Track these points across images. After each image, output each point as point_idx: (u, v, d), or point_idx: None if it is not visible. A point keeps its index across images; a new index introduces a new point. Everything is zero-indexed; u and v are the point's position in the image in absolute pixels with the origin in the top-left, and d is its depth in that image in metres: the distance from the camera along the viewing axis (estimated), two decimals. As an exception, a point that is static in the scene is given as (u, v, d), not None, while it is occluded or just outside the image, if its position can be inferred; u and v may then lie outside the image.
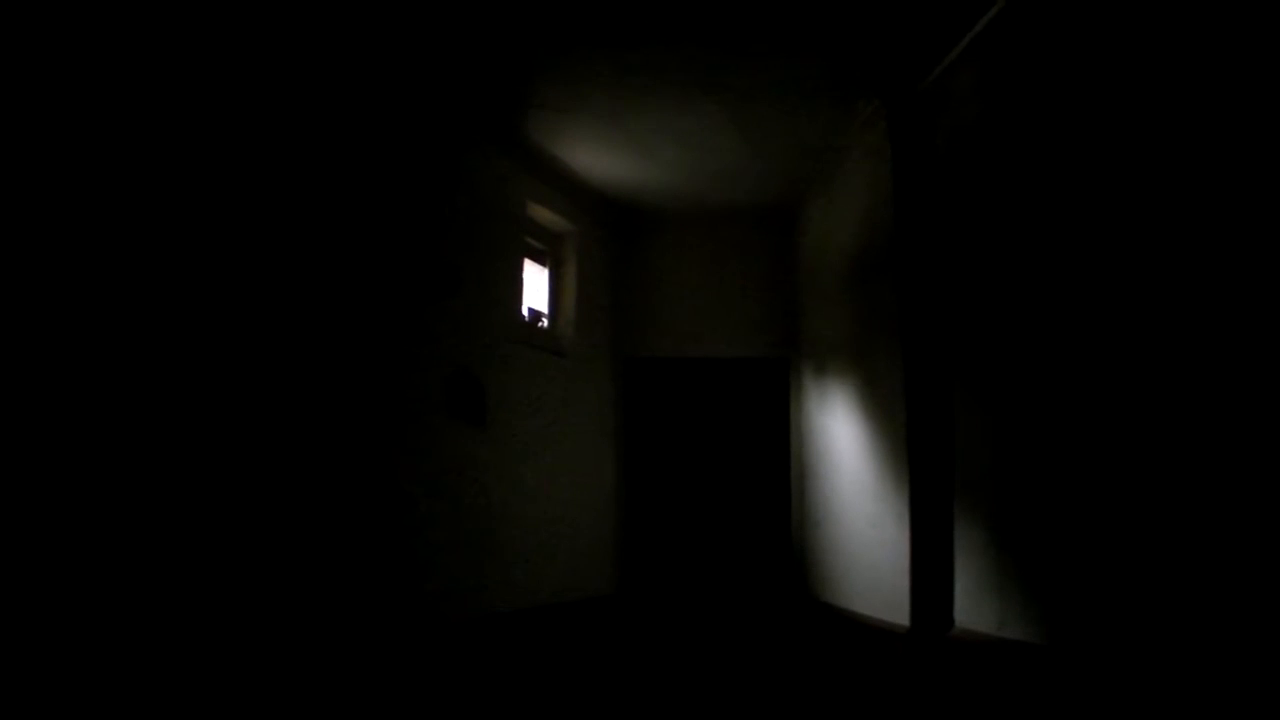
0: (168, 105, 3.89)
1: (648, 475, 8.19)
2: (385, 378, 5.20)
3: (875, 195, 5.81)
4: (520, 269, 6.93)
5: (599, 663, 5.44)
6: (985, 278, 4.56)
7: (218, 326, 4.09)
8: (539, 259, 7.49)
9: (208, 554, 3.95)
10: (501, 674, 5.06)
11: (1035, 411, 4.06)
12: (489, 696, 4.46)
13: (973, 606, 4.59)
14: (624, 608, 7.70)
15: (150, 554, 3.68)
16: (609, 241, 8.12)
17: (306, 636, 4.49)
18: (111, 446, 3.56)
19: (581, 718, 4.05)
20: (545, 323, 7.45)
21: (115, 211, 3.63)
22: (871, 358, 5.94)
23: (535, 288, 7.44)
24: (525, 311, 7.07)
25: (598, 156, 6.88)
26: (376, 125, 5.26)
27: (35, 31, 3.34)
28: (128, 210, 3.69)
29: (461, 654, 5.52)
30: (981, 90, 4.66)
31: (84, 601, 3.40)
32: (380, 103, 5.31)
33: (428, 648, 5.31)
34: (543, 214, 7.28)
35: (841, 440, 6.59)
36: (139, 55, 3.76)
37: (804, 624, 6.96)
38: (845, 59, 5.22)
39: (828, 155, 6.70)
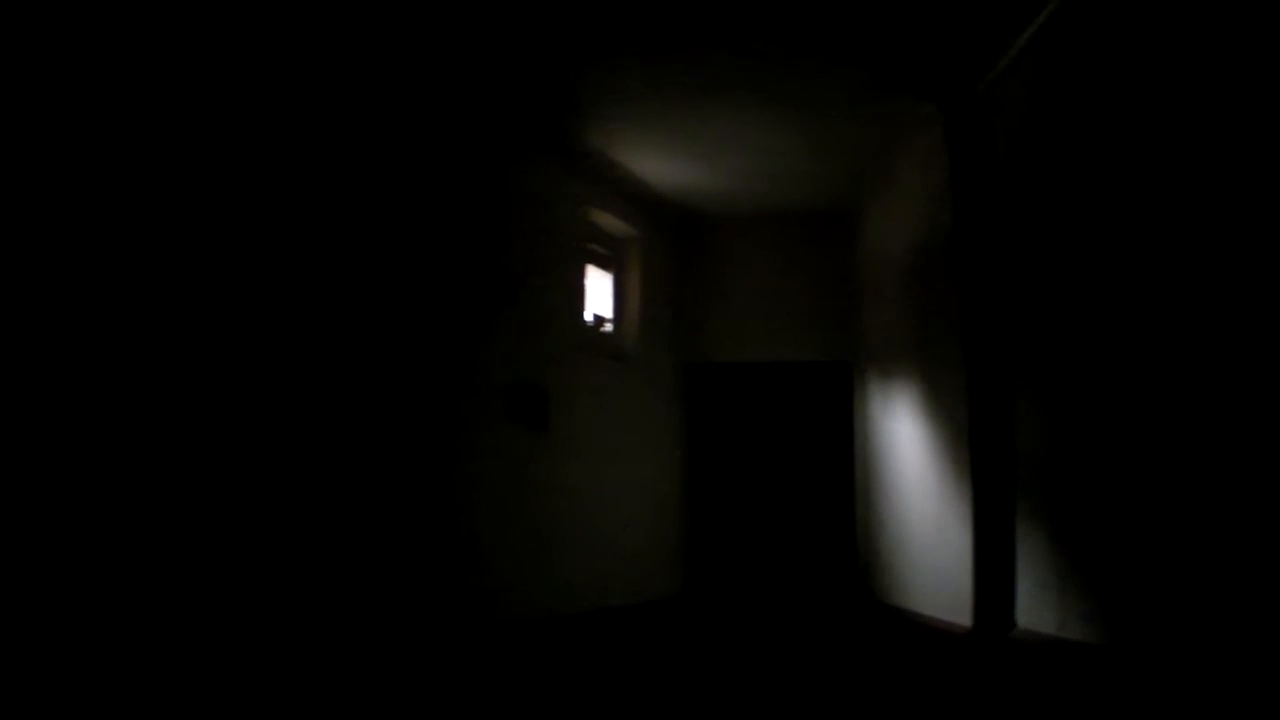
0: (238, 114, 4.11)
1: (711, 478, 8.25)
2: (450, 385, 5.36)
3: (933, 197, 5.80)
4: (583, 275, 7.07)
5: (663, 664, 5.53)
6: (1046, 278, 4.55)
7: (296, 334, 4.30)
8: (602, 265, 7.62)
9: (272, 553, 4.13)
10: (563, 676, 5.17)
11: (1096, 412, 4.04)
12: (550, 698, 4.58)
13: (1034, 607, 4.57)
14: (688, 610, 7.77)
15: (207, 549, 3.86)
16: (670, 246, 8.21)
17: (371, 636, 4.66)
18: (180, 446, 3.75)
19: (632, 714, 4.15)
20: (608, 328, 7.57)
21: (179, 221, 3.83)
22: (932, 359, 5.93)
23: (598, 293, 7.57)
24: (588, 317, 7.21)
25: (658, 162, 6.97)
26: (439, 136, 5.42)
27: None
28: (195, 220, 3.90)
29: (524, 655, 5.65)
30: (1038, 91, 4.64)
31: (145, 600, 3.56)
32: (443, 114, 5.48)
33: (490, 649, 5.45)
34: (605, 220, 7.41)
35: (904, 442, 6.58)
36: (195, 81, 3.97)
37: (868, 626, 6.96)
38: (902, 63, 5.24)
39: (886, 158, 6.70)
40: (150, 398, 3.62)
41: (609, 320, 7.61)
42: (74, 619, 3.26)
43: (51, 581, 3.20)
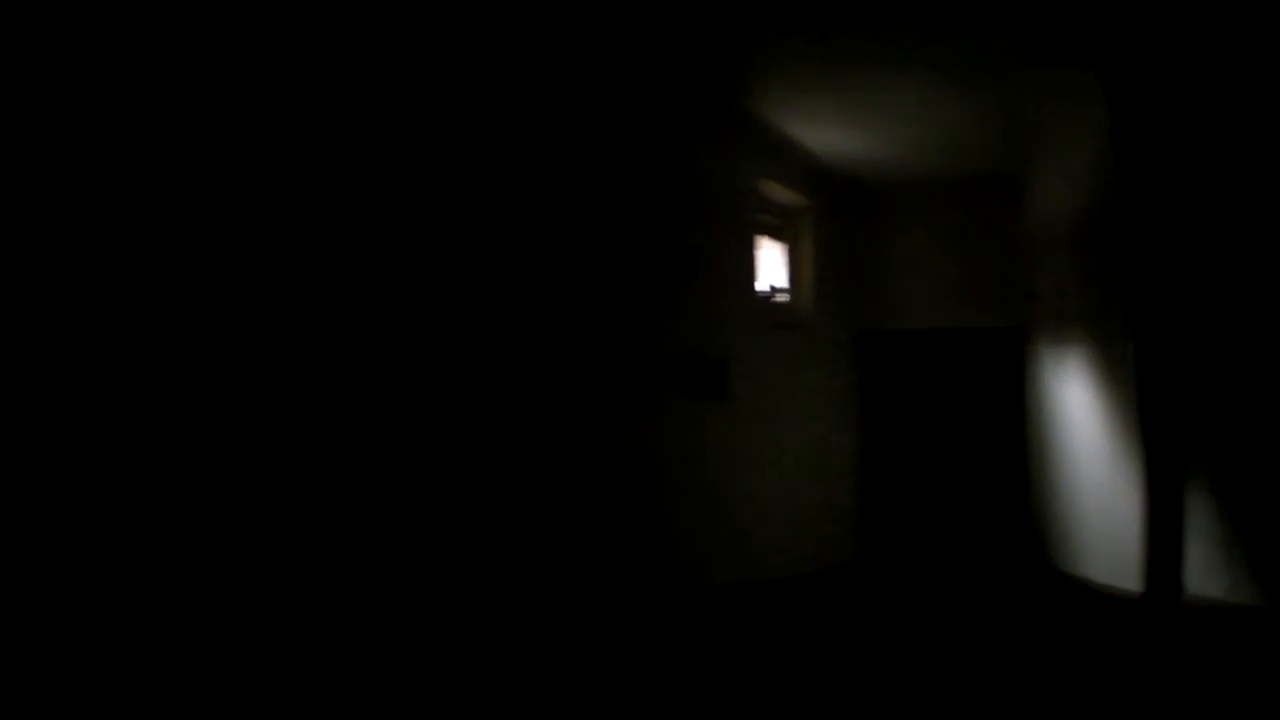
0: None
1: (883, 445, 8.41)
2: (633, 356, 5.71)
3: (1097, 163, 5.76)
4: (755, 246, 7.35)
5: (845, 630, 5.78)
6: (1214, 245, 4.52)
7: (496, 321, 4.72)
8: (774, 235, 7.87)
9: (466, 524, 4.45)
10: (750, 641, 5.47)
11: (1267, 379, 4.05)
12: (734, 661, 4.89)
13: (1203, 573, 4.60)
14: (864, 577, 7.95)
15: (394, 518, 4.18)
16: (841, 216, 8.35)
17: (565, 602, 5.01)
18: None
19: (827, 679, 4.43)
20: (781, 297, 7.83)
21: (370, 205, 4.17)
22: (1102, 325, 5.92)
23: (770, 264, 7.83)
24: (761, 287, 7.49)
25: (828, 133, 7.15)
26: (612, 112, 5.69)
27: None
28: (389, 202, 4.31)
29: (713, 621, 5.93)
30: (1202, 54, 4.58)
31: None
32: (621, 92, 5.76)
33: (674, 614, 5.75)
34: (777, 191, 7.64)
35: (1075, 407, 6.57)
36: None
37: (1039, 591, 7.00)
38: (1063, 30, 5.25)
39: (1051, 123, 6.66)
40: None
41: (782, 290, 7.87)
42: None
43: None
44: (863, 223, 8.55)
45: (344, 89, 4.02)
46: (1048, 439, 7.41)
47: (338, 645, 3.76)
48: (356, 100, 4.08)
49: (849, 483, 8.25)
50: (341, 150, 4.00)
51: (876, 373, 8.48)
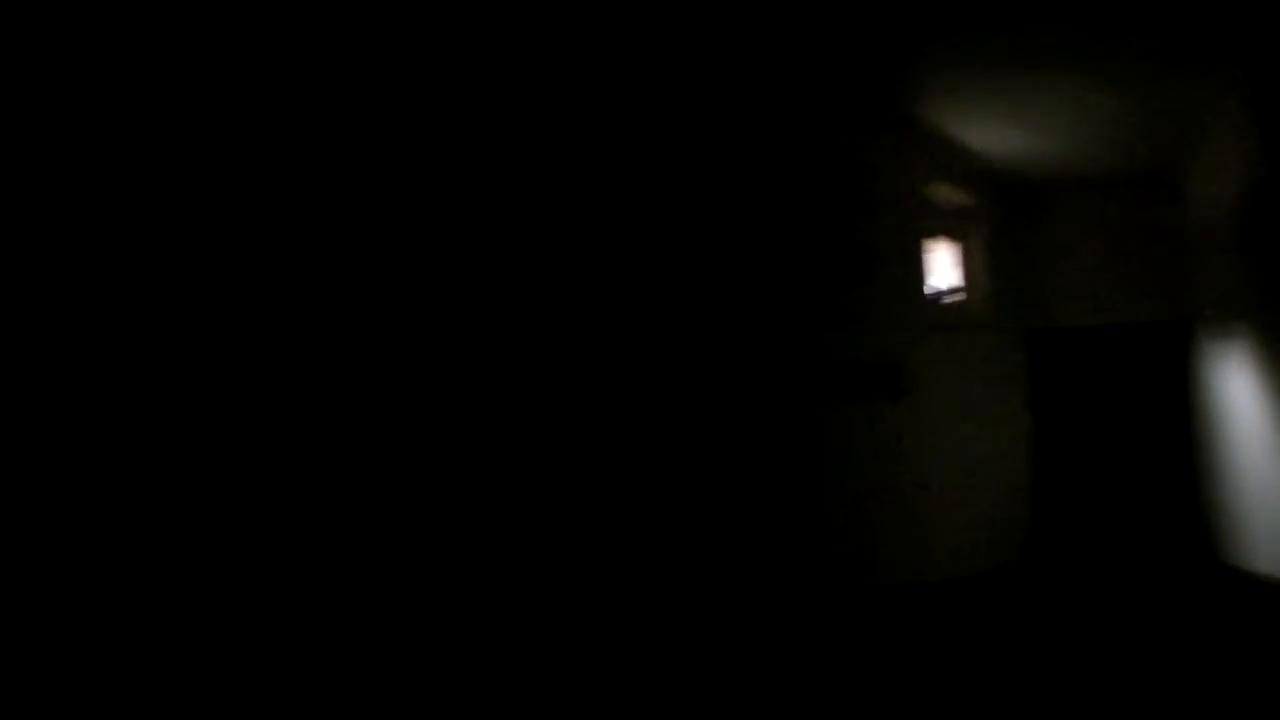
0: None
1: (1053, 442, 8.56)
2: (809, 357, 6.03)
3: (1250, 161, 5.87)
4: (927, 248, 7.58)
5: (1014, 628, 5.90)
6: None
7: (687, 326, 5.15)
8: (943, 235, 8.06)
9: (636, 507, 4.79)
10: (927, 637, 5.67)
11: None
12: (916, 657, 5.15)
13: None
14: (1035, 574, 7.95)
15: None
16: (1008, 214, 8.52)
17: (747, 598, 5.36)
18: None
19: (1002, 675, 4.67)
20: (952, 297, 8.04)
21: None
22: (1268, 320, 6.06)
23: (941, 264, 8.03)
24: (934, 288, 7.72)
25: (991, 132, 7.36)
26: (789, 123, 6.02)
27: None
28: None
29: (887, 618, 6.09)
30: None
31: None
32: (789, 101, 6.03)
33: (846, 610, 5.95)
34: (944, 191, 7.84)
35: (1242, 402, 6.66)
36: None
37: (1209, 584, 7.07)
38: (1216, 25, 5.42)
39: (1208, 119, 6.82)
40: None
41: (954, 289, 8.07)
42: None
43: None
44: (1028, 221, 8.67)
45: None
46: (1215, 433, 7.47)
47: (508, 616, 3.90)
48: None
49: (1020, 480, 8.34)
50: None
51: (1046, 370, 8.61)
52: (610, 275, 4.72)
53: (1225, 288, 7.03)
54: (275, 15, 3.20)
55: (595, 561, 4.43)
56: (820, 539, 6.00)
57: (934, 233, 7.87)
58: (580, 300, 4.50)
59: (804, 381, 5.99)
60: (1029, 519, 8.43)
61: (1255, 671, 4.50)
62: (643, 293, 4.91)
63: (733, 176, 5.54)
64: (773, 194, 5.86)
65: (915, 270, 7.35)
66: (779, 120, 5.96)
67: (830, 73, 6.27)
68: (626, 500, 4.63)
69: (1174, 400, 8.16)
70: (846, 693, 4.36)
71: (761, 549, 5.55)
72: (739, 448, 5.41)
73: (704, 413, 5.22)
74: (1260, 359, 6.33)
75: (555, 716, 3.74)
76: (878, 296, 6.73)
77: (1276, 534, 6.04)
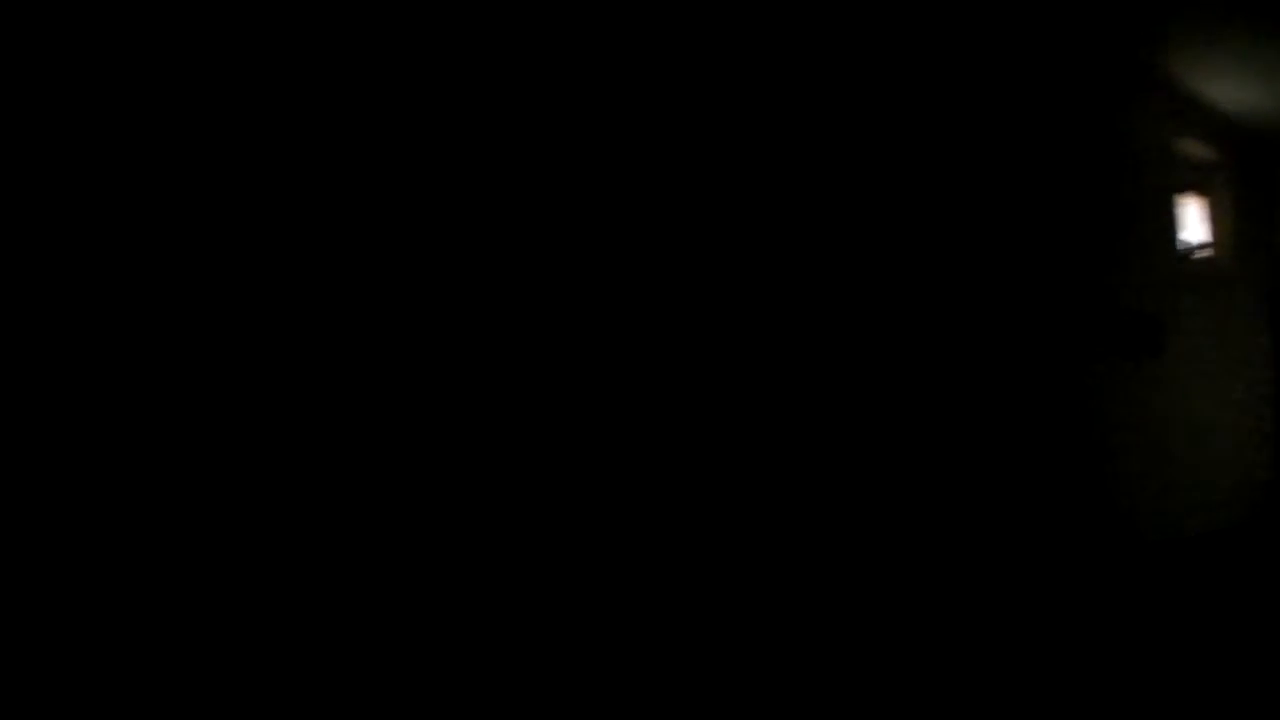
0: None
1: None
2: (1074, 314, 5.96)
3: None
4: (1176, 204, 7.30)
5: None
6: None
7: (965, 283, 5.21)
8: (1193, 191, 7.75)
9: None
10: (1184, 595, 5.61)
11: None
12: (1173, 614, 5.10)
13: None
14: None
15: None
16: (1256, 172, 8.16)
17: (1023, 557, 5.42)
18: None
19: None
20: (1201, 253, 7.70)
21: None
22: None
23: (1189, 220, 7.72)
24: (1183, 244, 7.42)
25: (1239, 89, 7.07)
26: (1047, 83, 5.92)
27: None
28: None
29: (1144, 575, 6.09)
30: None
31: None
32: (1053, 64, 6.01)
33: (1115, 566, 5.95)
34: (1193, 147, 7.53)
35: None
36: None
37: None
38: None
39: None
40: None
41: (1200, 246, 7.74)
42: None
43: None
44: (1274, 178, 8.19)
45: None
46: None
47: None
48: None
49: (1267, 435, 8.05)
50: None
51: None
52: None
53: None
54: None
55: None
56: (1089, 497, 5.90)
57: (1185, 188, 7.57)
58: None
59: (1072, 336, 5.92)
60: (1274, 475, 8.09)
61: None
62: (928, 252, 5.01)
63: (1005, 142, 5.57)
64: (1041, 157, 5.82)
65: (1167, 226, 7.09)
66: (1044, 84, 5.92)
67: (1086, 34, 6.17)
68: (889, 454, 4.71)
69: None
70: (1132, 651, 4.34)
71: (1034, 509, 5.50)
72: (1012, 408, 5.40)
73: (978, 376, 5.25)
74: None
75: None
76: (1135, 252, 6.54)
77: None
